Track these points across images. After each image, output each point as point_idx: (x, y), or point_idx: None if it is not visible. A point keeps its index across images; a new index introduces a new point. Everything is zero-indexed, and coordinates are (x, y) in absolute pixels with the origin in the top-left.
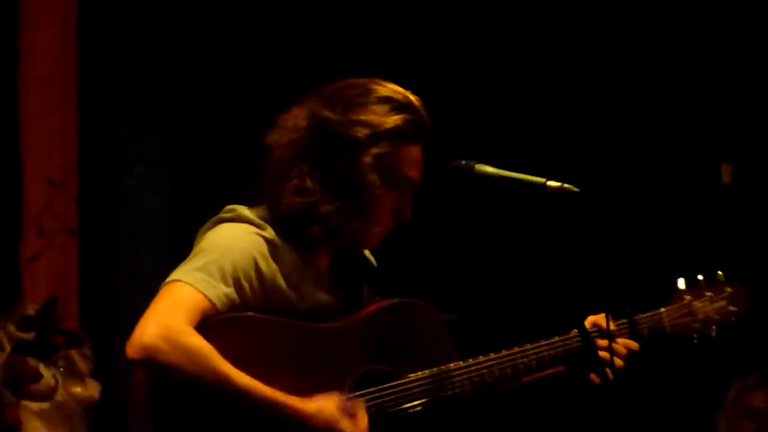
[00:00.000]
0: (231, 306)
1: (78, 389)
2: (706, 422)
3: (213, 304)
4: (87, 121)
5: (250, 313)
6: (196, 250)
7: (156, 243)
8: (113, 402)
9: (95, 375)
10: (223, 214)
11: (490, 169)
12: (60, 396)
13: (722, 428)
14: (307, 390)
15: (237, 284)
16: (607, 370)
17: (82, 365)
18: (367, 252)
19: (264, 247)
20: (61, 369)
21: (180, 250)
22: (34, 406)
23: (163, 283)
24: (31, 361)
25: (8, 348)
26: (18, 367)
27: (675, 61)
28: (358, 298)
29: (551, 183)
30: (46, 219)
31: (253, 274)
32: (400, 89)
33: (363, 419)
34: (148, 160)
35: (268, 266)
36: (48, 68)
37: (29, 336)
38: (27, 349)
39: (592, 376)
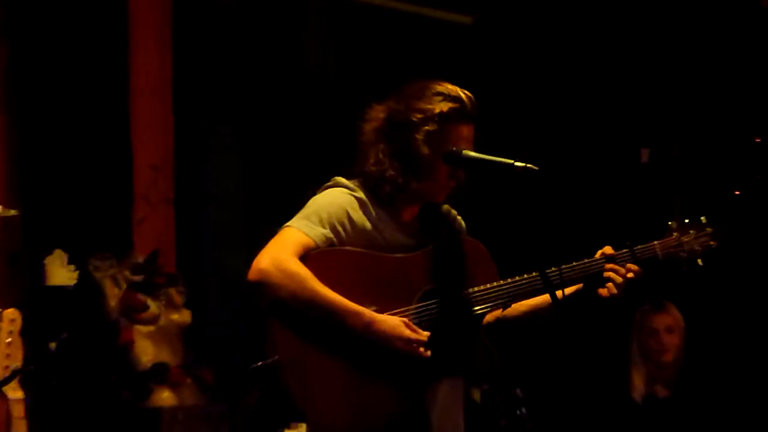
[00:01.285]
0: (329, 243)
1: (175, 316)
2: (623, 346)
3: (313, 241)
4: (180, 119)
5: (342, 248)
6: (304, 206)
7: (231, 209)
8: (201, 325)
9: (187, 305)
10: (327, 183)
11: (472, 153)
12: (162, 321)
13: (634, 348)
14: (385, 300)
15: (333, 228)
16: (612, 285)
17: (178, 299)
18: (459, 218)
19: (355, 203)
20: (163, 302)
21: (249, 215)
22: (143, 329)
23: (279, 229)
24: (141, 296)
25: (124, 287)
26: (131, 301)
27: (607, 66)
28: (437, 242)
29: (518, 163)
30: (151, 192)
31: (346, 221)
32: (452, 86)
33: (422, 330)
34: (225, 148)
35: (359, 216)
36: (151, 79)
37: (139, 278)
38: (137, 288)
39: (600, 290)
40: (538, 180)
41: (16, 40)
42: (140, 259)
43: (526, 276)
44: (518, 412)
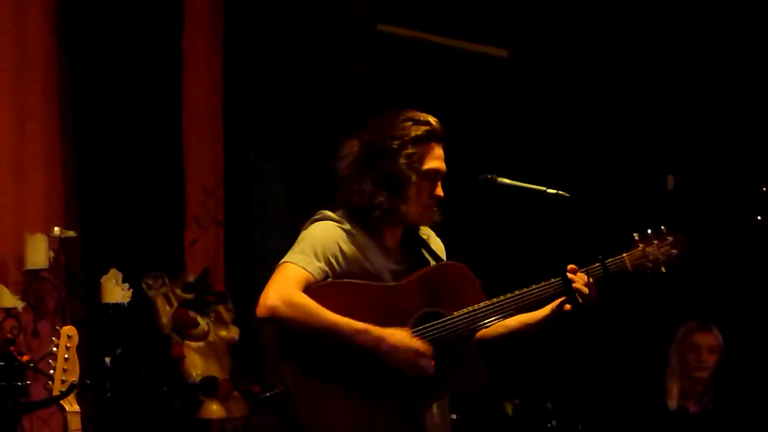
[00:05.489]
0: (325, 276)
1: (224, 333)
2: (661, 352)
3: (311, 275)
4: (229, 147)
5: (339, 280)
6: (298, 240)
7: (278, 231)
8: (248, 341)
9: (235, 322)
10: (315, 216)
11: (507, 180)
12: (211, 337)
13: (674, 357)
14: (383, 327)
15: (327, 261)
16: (578, 298)
17: (227, 316)
18: (435, 238)
19: (344, 235)
20: (212, 319)
21: (295, 235)
22: (194, 344)
23: (277, 264)
24: (191, 314)
25: (176, 304)
26: (182, 318)
27: (636, 97)
28: (422, 265)
29: (550, 190)
30: (202, 215)
31: (338, 253)
32: (417, 111)
33: (428, 345)
34: (271, 174)
35: (348, 248)
36: (202, 107)
37: (190, 296)
38: (188, 305)
39: (566, 306)
40: (568, 206)
41: (76, 70)
42: (191, 278)
43: (535, 286)
44: (549, 425)
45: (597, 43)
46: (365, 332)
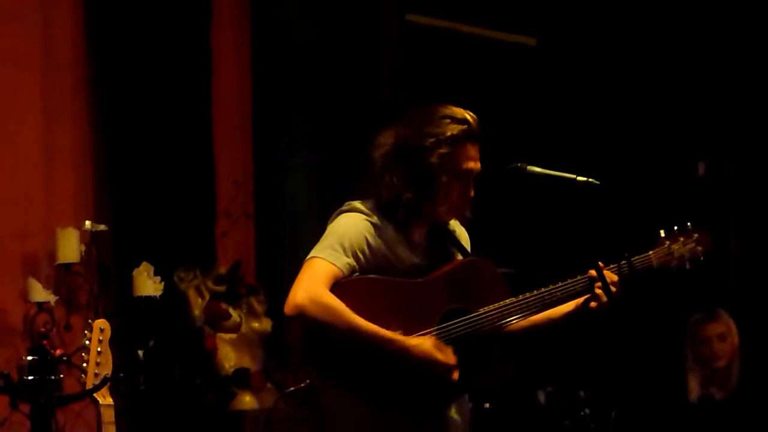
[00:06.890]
0: (352, 271)
1: (256, 325)
2: (678, 350)
3: (340, 270)
4: (259, 140)
5: (367, 276)
6: (326, 234)
7: (308, 223)
8: (280, 333)
9: (268, 314)
10: (342, 208)
11: (537, 168)
12: (243, 329)
13: (689, 353)
14: (409, 324)
15: (354, 255)
16: (601, 295)
17: (259, 308)
18: (461, 229)
19: (371, 228)
20: (244, 310)
21: (324, 229)
22: (226, 336)
23: (305, 259)
24: (223, 306)
25: (207, 297)
26: (214, 310)
27: (665, 83)
28: (448, 261)
29: (580, 178)
30: (232, 207)
31: (365, 247)
32: (457, 108)
33: (451, 353)
34: (302, 167)
35: (375, 241)
36: (232, 101)
37: (222, 288)
38: (220, 297)
39: (591, 304)
40: (598, 194)
41: (105, 65)
42: (223, 271)
43: (561, 283)
44: (582, 413)
45: (626, 30)
46: (391, 341)
